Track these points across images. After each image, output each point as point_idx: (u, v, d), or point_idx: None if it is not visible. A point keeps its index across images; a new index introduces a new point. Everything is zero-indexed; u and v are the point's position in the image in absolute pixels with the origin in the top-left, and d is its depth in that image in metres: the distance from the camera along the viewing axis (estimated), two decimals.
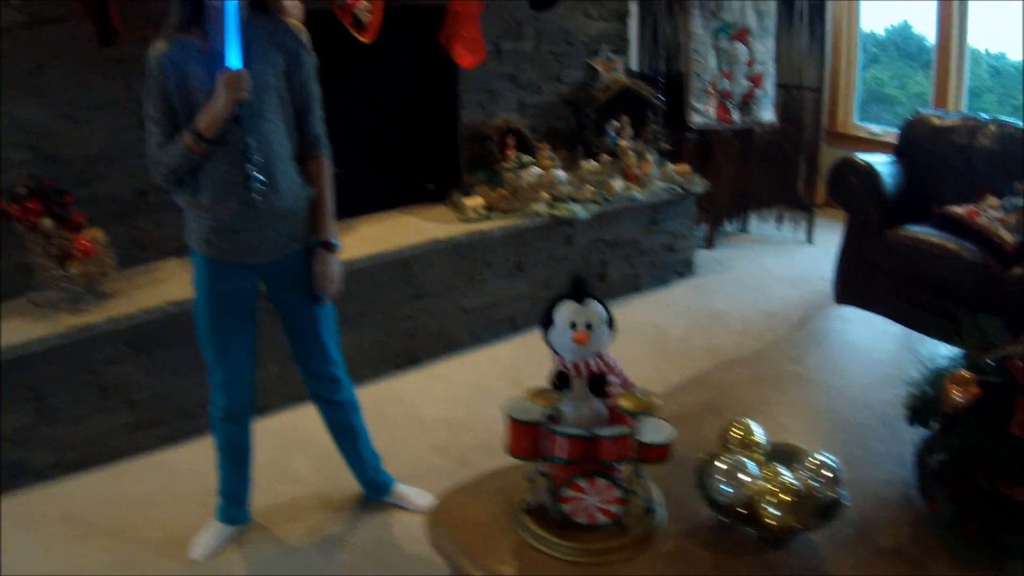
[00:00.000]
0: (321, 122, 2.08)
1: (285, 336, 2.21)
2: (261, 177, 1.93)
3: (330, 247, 2.10)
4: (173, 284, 2.92)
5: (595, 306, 1.44)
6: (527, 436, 1.45)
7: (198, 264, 2.08)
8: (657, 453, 1.42)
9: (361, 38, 3.13)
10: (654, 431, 1.42)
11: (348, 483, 2.48)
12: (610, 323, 1.45)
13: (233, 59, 1.80)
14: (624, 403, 1.42)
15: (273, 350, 2.84)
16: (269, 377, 2.93)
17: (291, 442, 2.81)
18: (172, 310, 2.76)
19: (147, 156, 1.96)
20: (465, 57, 3.46)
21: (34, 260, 2.79)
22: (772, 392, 1.98)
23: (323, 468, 2.65)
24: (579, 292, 1.44)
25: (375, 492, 2.47)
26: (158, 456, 2.81)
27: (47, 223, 2.76)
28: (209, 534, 2.33)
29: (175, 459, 2.79)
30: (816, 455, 1.44)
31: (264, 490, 2.47)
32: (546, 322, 1.47)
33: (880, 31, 5.37)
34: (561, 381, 1.47)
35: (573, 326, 1.42)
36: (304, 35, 2.01)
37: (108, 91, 2.98)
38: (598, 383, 1.45)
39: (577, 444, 1.40)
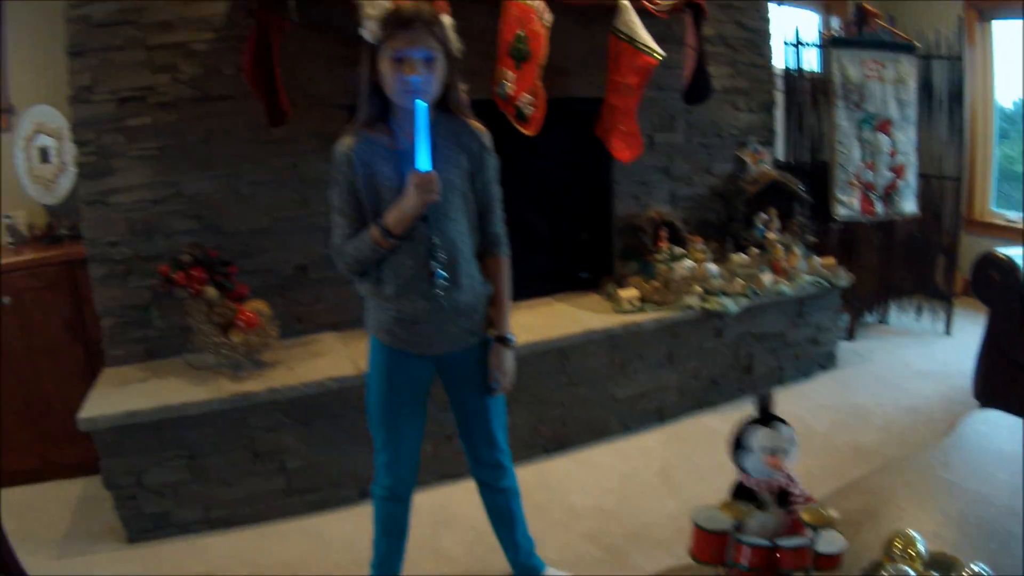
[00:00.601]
0: (502, 221, 2.13)
1: (455, 422, 2.26)
2: (444, 273, 1.97)
3: (506, 342, 2.14)
4: (331, 359, 3.02)
5: (785, 430, 1.57)
6: (713, 543, 1.54)
7: (375, 350, 2.13)
8: (831, 562, 1.50)
9: (524, 130, 3.20)
10: (830, 542, 1.49)
11: (497, 563, 2.50)
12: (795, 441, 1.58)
13: (423, 162, 1.83)
14: (806, 516, 1.51)
15: (428, 429, 2.95)
16: (422, 455, 3.00)
17: (442, 519, 2.85)
18: (332, 385, 2.84)
19: (332, 246, 2.03)
20: (623, 151, 3.50)
21: (194, 325, 2.90)
22: (923, 498, 2.02)
23: (472, 547, 2.69)
24: (767, 415, 1.57)
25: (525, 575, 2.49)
26: (307, 521, 2.88)
27: (212, 292, 2.90)
28: None
29: (324, 526, 2.85)
30: (972, 566, 1.48)
31: (414, 566, 2.48)
32: (736, 444, 1.59)
33: (1008, 104, 5.28)
34: (742, 493, 1.60)
35: (768, 451, 1.56)
36: (487, 137, 2.05)
37: (273, 168, 3.14)
38: (784, 497, 1.57)
39: (760, 553, 1.48)
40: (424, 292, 1.99)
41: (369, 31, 1.88)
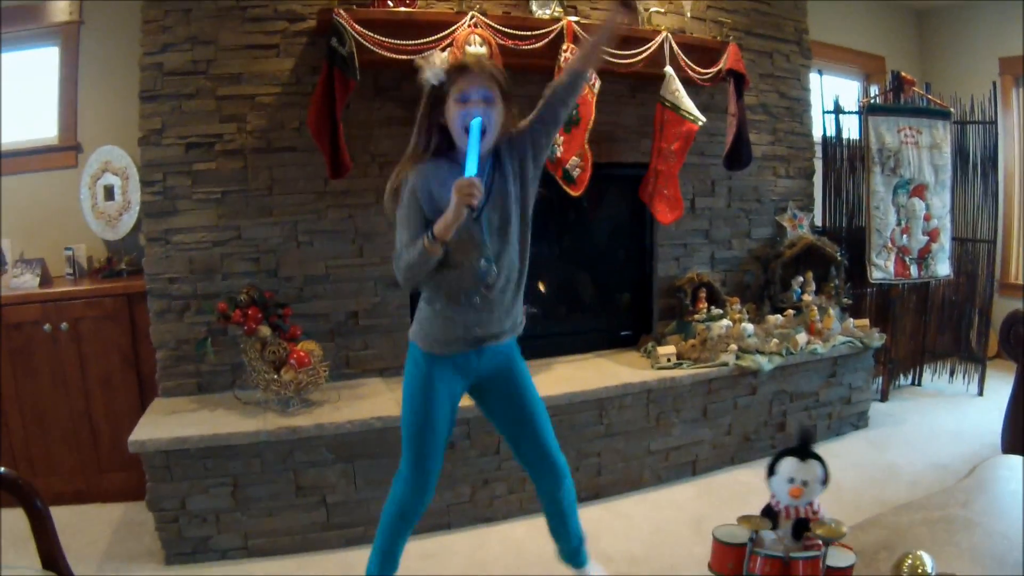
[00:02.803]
0: None
1: (509, 444, 2.36)
2: (494, 268, 2.12)
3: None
4: (376, 400, 3.11)
5: (814, 465, 1.69)
6: (730, 556, 1.68)
7: (416, 357, 2.24)
8: None
9: (570, 191, 3.36)
10: (840, 557, 1.62)
11: None
12: (825, 480, 1.70)
13: (470, 169, 1.96)
14: (818, 531, 1.62)
15: (467, 473, 3.03)
16: (460, 498, 3.08)
17: (477, 561, 2.90)
18: (376, 424, 2.92)
19: (394, 254, 2.13)
20: (665, 214, 3.64)
21: (247, 361, 3.02)
22: (940, 533, 2.05)
23: None
24: (804, 449, 1.70)
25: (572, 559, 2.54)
26: (344, 555, 2.93)
27: (266, 331, 3.02)
28: None
29: (360, 560, 2.77)
30: None
31: None
32: (771, 468, 1.72)
33: None
34: (768, 514, 1.73)
35: (792, 481, 1.69)
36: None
37: (331, 219, 3.29)
38: (801, 527, 1.68)
39: (775, 564, 1.61)
40: (472, 303, 2.15)
41: (434, 76, 2.08)
